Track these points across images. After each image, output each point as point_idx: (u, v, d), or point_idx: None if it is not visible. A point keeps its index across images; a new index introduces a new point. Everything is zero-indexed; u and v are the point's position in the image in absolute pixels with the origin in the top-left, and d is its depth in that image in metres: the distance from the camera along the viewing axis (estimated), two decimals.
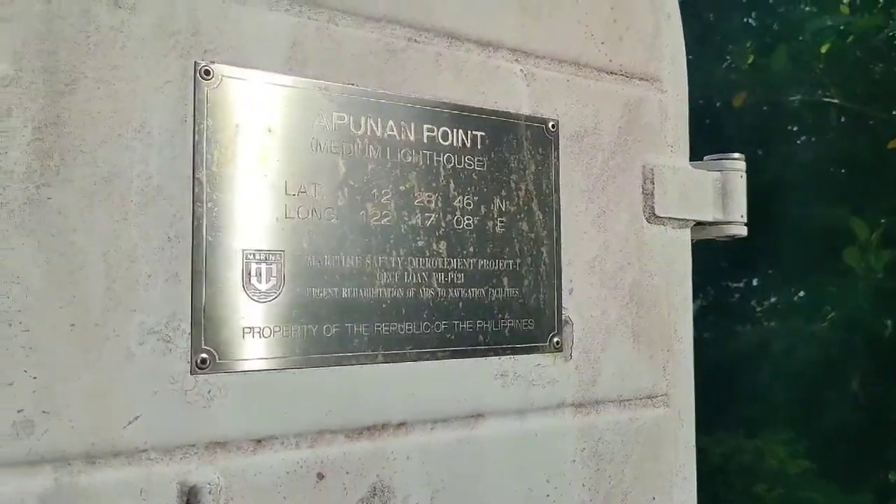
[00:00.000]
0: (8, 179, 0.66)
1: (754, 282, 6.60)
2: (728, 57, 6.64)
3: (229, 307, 0.76)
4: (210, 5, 0.77)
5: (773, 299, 6.23)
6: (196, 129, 0.75)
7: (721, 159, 1.17)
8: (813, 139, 6.04)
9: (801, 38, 5.86)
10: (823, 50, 5.26)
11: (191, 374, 0.73)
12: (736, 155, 1.18)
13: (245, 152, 0.78)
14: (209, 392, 0.74)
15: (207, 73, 0.76)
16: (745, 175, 1.18)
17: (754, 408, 5.58)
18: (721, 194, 1.16)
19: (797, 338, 5.34)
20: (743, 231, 1.18)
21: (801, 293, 5.92)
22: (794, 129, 6.24)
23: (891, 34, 4.52)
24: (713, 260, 5.90)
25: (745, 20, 6.98)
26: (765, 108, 6.18)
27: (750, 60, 6.37)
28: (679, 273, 1.13)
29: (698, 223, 1.16)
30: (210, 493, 0.72)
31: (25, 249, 0.66)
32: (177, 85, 0.74)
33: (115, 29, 0.71)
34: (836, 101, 5.52)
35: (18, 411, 0.65)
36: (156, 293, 0.72)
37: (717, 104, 6.50)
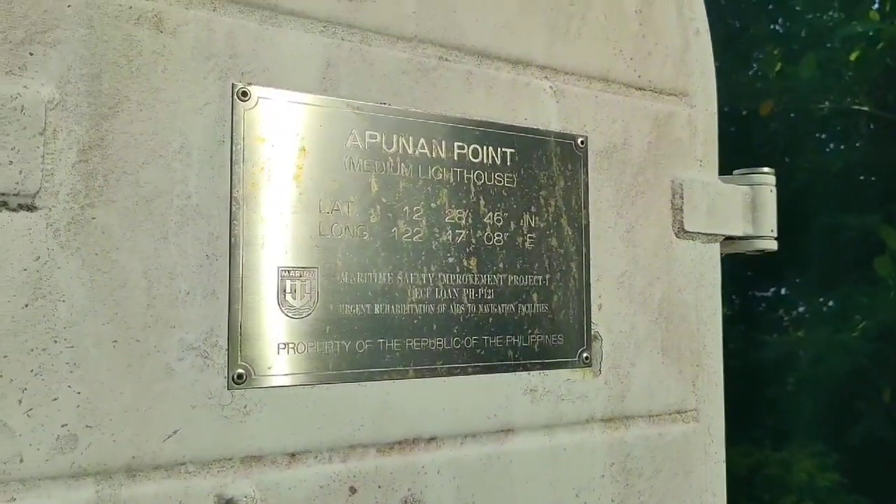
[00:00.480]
0: (54, 200, 0.68)
1: (782, 291, 6.53)
2: (755, 64, 6.59)
3: (264, 323, 0.77)
4: (247, 28, 0.78)
5: (801, 309, 6.16)
6: (233, 149, 0.77)
7: (751, 173, 1.17)
8: (842, 147, 5.98)
9: (829, 45, 5.81)
10: (853, 57, 5.20)
11: (227, 389, 0.75)
12: (766, 169, 1.17)
13: (280, 171, 0.79)
14: (245, 407, 0.76)
15: (245, 94, 0.78)
16: (774, 189, 1.17)
17: (782, 419, 5.52)
18: (751, 208, 1.16)
19: (826, 348, 5.27)
20: (773, 246, 1.17)
21: (831, 303, 5.85)
22: (823, 136, 6.18)
23: None
24: (739, 269, 5.85)
25: (771, 27, 6.93)
26: (792, 115, 6.12)
27: (777, 68, 6.32)
28: (708, 287, 1.13)
29: (728, 237, 1.16)
30: None
31: (70, 268, 0.68)
32: (215, 106, 0.76)
33: (157, 53, 0.73)
34: (865, 108, 5.46)
35: (62, 426, 0.67)
36: (194, 310, 0.74)
37: (744, 112, 6.45)
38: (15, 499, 0.65)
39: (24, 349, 0.66)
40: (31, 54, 0.67)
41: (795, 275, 6.12)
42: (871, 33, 5.13)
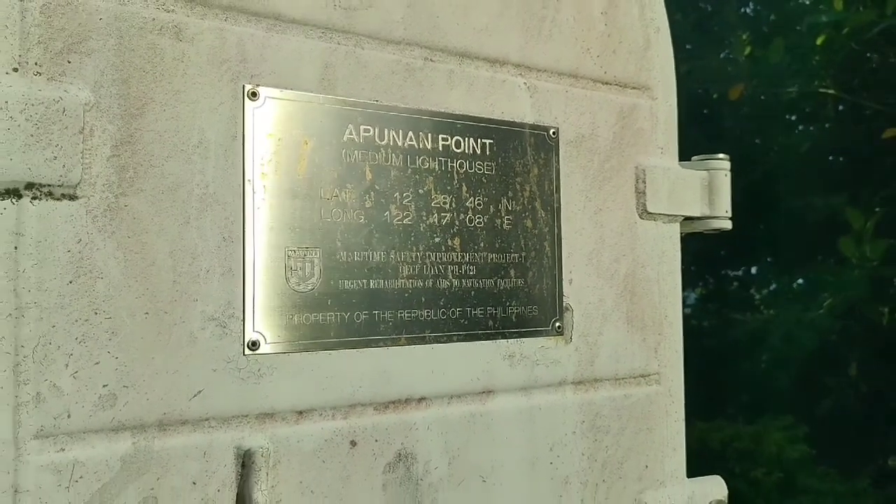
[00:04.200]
0: (92, 189, 0.77)
1: (753, 270, 6.71)
2: (727, 49, 6.73)
3: (274, 297, 0.88)
4: (255, 36, 0.88)
5: (771, 287, 6.34)
6: (245, 143, 0.87)
7: (707, 159, 1.29)
8: (811, 129, 6.14)
9: (798, 28, 5.96)
10: (819, 42, 5.34)
11: (243, 354, 0.85)
12: (721, 155, 1.29)
13: (286, 162, 0.89)
14: (259, 370, 0.87)
15: (254, 94, 0.88)
16: (729, 174, 1.29)
17: (754, 394, 5.70)
18: (708, 191, 1.28)
19: (795, 325, 5.45)
20: (727, 225, 1.29)
21: (800, 281, 6.03)
22: (792, 119, 6.34)
23: (885, 27, 4.61)
24: (712, 249, 6.01)
25: (742, 10, 7.06)
26: (762, 98, 6.27)
27: (747, 52, 6.46)
28: (669, 263, 1.25)
29: (687, 218, 1.27)
30: (262, 455, 0.85)
31: (107, 249, 0.78)
32: (228, 106, 0.86)
33: (177, 59, 0.83)
34: (831, 91, 5.61)
35: (104, 386, 0.77)
36: (213, 285, 0.84)
37: (715, 95, 6.60)
38: (64, 449, 0.76)
39: (70, 320, 0.76)
40: (69, 62, 0.77)
41: (766, 254, 6.31)
42: (835, 20, 5.25)
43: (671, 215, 1.24)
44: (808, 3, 6.24)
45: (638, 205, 1.20)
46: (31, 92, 0.74)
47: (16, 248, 0.73)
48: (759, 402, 5.59)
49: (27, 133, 0.74)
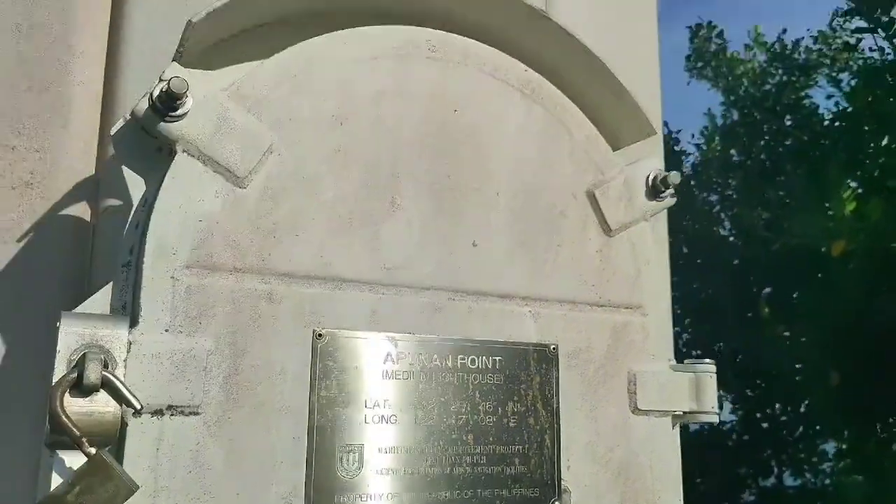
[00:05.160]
0: (208, 408, 1.17)
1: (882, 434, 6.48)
2: (830, 206, 6.80)
3: (329, 482, 1.23)
4: (322, 293, 1.29)
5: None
6: (312, 369, 1.25)
7: (695, 363, 1.57)
8: None
9: None
10: None
11: None
12: (707, 360, 1.57)
13: (341, 382, 1.27)
14: None
15: (320, 335, 1.27)
16: (714, 375, 1.56)
17: None
18: (695, 390, 1.54)
19: None
20: (715, 419, 1.55)
21: None
22: None
23: None
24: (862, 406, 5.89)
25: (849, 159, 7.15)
26: (874, 252, 6.26)
27: (851, 207, 6.53)
28: (662, 451, 1.50)
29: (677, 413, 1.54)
30: None
31: (215, 449, 1.16)
32: (301, 344, 1.25)
33: (270, 316, 1.24)
34: None
35: None
36: (285, 474, 1.20)
37: (823, 249, 6.64)
38: None
39: (188, 498, 1.14)
40: (200, 323, 1.19)
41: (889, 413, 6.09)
42: None
43: (661, 411, 1.52)
44: None
45: (630, 403, 1.49)
46: (175, 345, 1.16)
47: (157, 449, 1.13)
48: None
49: (170, 372, 1.15)
